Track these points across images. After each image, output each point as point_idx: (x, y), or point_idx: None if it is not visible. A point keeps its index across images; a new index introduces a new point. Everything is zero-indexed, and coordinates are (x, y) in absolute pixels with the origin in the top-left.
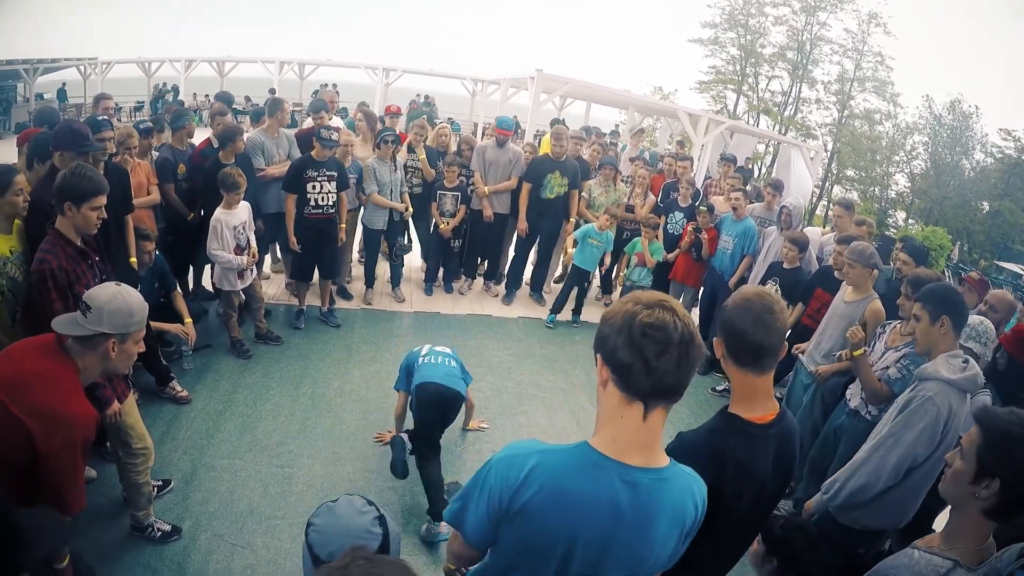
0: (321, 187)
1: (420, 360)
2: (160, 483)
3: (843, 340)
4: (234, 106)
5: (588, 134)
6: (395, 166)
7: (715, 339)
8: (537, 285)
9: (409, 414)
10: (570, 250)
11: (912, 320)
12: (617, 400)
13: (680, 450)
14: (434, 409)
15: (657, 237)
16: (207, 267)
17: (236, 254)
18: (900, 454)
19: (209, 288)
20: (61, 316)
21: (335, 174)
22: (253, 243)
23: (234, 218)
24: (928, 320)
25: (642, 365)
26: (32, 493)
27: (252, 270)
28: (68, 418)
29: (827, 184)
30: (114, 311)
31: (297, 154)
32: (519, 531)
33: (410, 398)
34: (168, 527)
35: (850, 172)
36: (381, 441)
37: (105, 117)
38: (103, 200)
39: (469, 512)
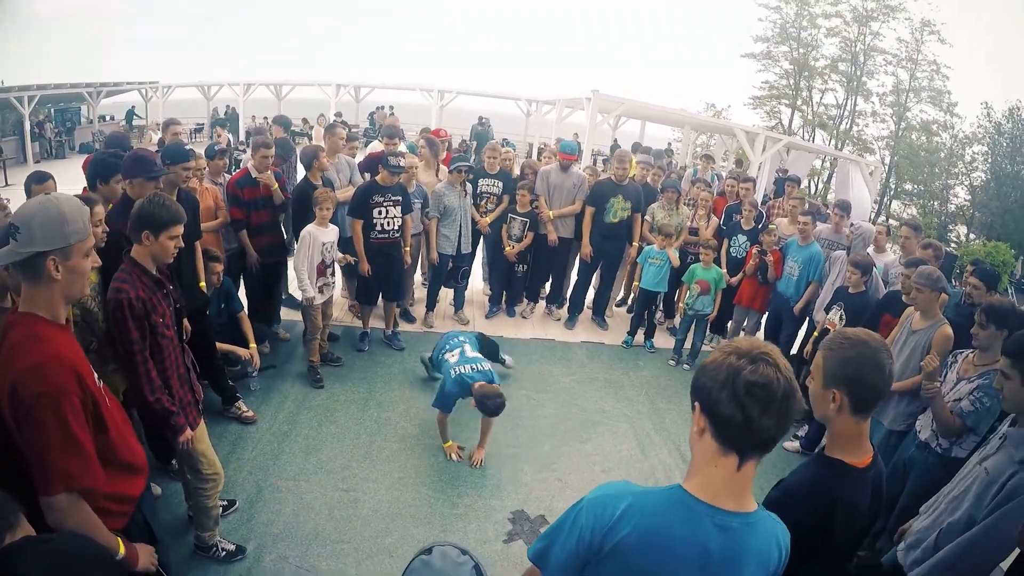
0: (387, 212)
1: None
2: (225, 503)
3: (915, 372)
4: (292, 128)
5: (657, 157)
6: (464, 192)
7: (831, 392)
8: (599, 309)
9: None
10: (636, 283)
11: (1000, 376)
12: (713, 450)
13: (786, 498)
14: None
15: (719, 261)
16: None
17: (319, 270)
18: (1007, 547)
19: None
20: None
21: (400, 198)
22: (339, 256)
23: (324, 235)
24: (1020, 380)
25: (743, 422)
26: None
27: (331, 286)
28: (15, 378)
29: (885, 199)
30: (45, 223)
31: (359, 179)
32: (608, 572)
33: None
34: (232, 547)
35: (908, 186)
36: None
37: (191, 147)
38: (180, 229)
39: (554, 551)
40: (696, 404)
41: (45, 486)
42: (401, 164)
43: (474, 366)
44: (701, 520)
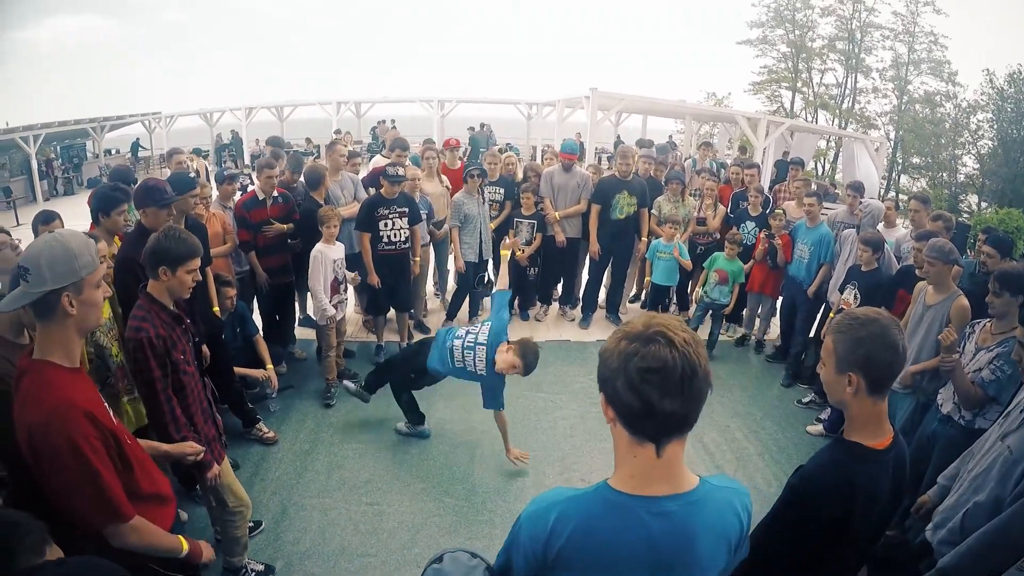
0: (393, 224)
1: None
2: (251, 524)
3: (933, 347)
4: (294, 148)
5: (662, 151)
6: (483, 199)
7: (846, 376)
8: (613, 307)
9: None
10: (648, 278)
11: (1018, 347)
12: (627, 440)
13: (805, 485)
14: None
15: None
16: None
17: (333, 287)
18: None
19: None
20: (7, 297)
21: (406, 210)
22: (350, 276)
23: (333, 252)
24: None
25: (645, 410)
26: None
27: (344, 304)
28: (30, 429)
29: (894, 174)
30: (53, 261)
31: (363, 195)
32: None
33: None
34: (261, 567)
35: (916, 159)
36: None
37: (195, 174)
38: (198, 262)
39: (515, 565)
40: (602, 395)
41: (89, 525)
42: (400, 173)
43: (474, 339)
44: (634, 514)
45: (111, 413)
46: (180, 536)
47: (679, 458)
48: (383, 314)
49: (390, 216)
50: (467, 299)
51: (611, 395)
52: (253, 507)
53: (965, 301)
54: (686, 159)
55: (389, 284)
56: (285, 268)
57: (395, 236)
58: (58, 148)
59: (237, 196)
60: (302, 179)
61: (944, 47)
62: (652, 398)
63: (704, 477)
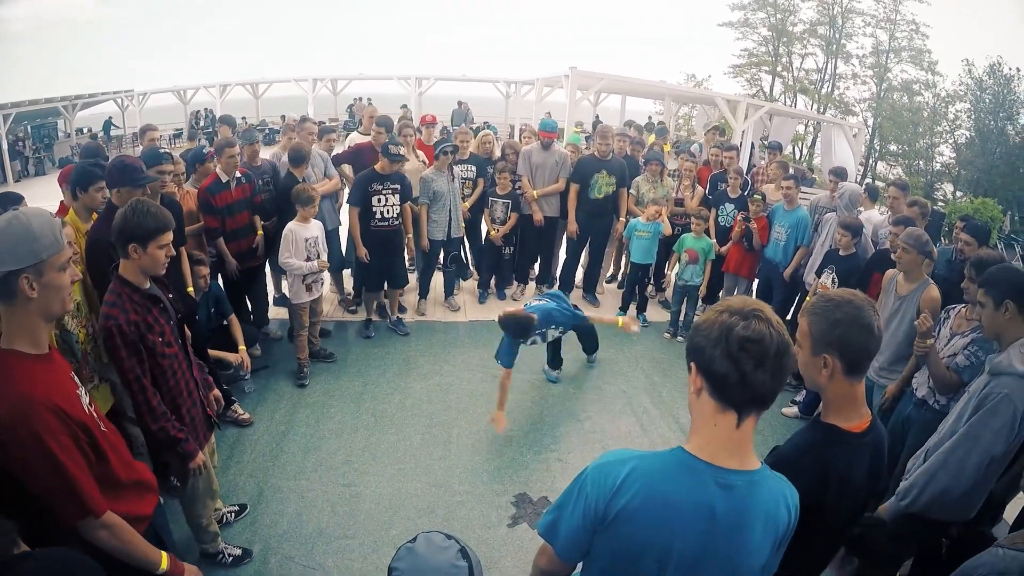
0: (386, 200)
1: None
2: (236, 508)
3: (906, 339)
4: (270, 126)
5: (660, 134)
6: (452, 176)
7: (822, 358)
8: (590, 287)
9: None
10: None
11: (977, 307)
12: (711, 408)
13: (780, 465)
14: None
15: (708, 232)
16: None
17: None
18: (980, 454)
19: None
20: None
21: (398, 186)
22: (323, 256)
23: (306, 231)
24: (992, 306)
25: (738, 378)
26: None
27: (320, 283)
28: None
29: (870, 161)
30: (13, 241)
31: (333, 172)
32: (614, 539)
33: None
34: (239, 551)
35: (893, 147)
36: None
37: (167, 150)
38: (170, 236)
39: (563, 523)
40: (692, 364)
41: (61, 519)
42: (401, 153)
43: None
44: (704, 480)
45: (84, 401)
46: (165, 554)
47: (750, 437)
48: (380, 290)
49: (384, 192)
50: (442, 279)
51: (705, 364)
52: (229, 490)
53: (936, 292)
54: (692, 144)
55: (384, 260)
56: (252, 251)
57: (388, 212)
58: (29, 127)
59: None
60: (283, 156)
61: (925, 36)
62: (747, 368)
63: (763, 463)
